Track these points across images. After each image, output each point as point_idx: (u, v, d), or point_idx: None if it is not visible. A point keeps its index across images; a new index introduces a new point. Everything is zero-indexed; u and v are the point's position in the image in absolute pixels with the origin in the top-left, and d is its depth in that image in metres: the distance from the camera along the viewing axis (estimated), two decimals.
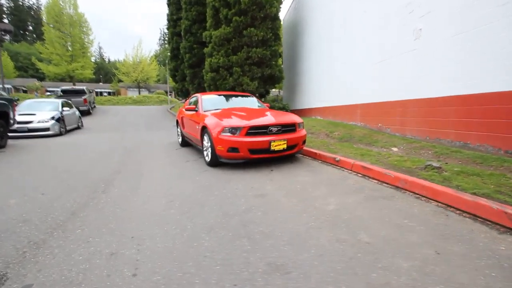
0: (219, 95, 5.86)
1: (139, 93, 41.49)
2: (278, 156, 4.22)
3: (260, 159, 4.12)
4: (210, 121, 4.30)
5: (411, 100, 5.38)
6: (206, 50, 12.81)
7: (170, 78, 21.02)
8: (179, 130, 6.79)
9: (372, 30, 6.65)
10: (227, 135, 3.99)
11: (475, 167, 3.45)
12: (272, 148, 3.99)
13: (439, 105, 4.71)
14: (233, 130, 3.98)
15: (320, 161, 4.51)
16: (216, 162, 4.25)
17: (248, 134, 3.97)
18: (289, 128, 4.27)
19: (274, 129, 4.10)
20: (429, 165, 3.59)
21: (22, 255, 1.83)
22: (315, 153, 4.73)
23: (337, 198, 2.73)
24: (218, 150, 4.05)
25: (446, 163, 3.72)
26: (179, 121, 6.51)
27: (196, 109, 5.26)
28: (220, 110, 5.01)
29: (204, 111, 5.05)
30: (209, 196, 2.94)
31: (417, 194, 2.75)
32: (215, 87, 12.89)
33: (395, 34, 5.81)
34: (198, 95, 5.82)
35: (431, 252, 1.71)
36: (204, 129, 4.51)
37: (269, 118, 4.27)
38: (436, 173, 3.40)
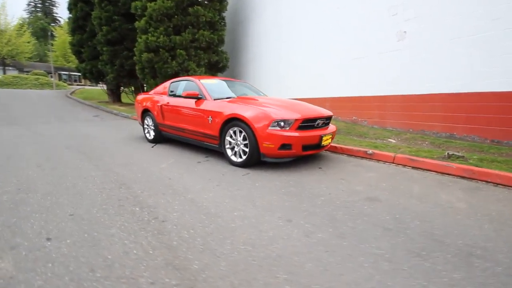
0: (217, 80, 4.86)
1: (5, 72, 31.27)
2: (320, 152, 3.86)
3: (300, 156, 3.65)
4: (248, 112, 3.46)
5: (394, 96, 5.96)
6: (138, 24, 10.65)
7: (73, 56, 16.42)
8: (148, 122, 5.33)
9: (347, 27, 6.97)
10: (275, 130, 3.32)
11: (483, 154, 4.10)
12: (322, 143, 3.59)
13: (424, 101, 5.40)
14: (283, 123, 3.35)
15: (345, 155, 4.41)
16: (254, 162, 3.51)
17: (298, 128, 3.43)
18: (329, 121, 3.96)
19: (320, 122, 3.70)
20: (452, 154, 4.02)
21: None
22: (335, 146, 4.60)
23: (447, 195, 2.66)
24: (265, 147, 3.33)
25: (458, 152, 4.28)
26: (153, 110, 5.09)
27: (200, 96, 4.19)
28: (236, 98, 4.17)
29: (215, 99, 4.08)
30: (319, 207, 2.33)
31: (490, 182, 3.01)
32: (152, 71, 10.98)
33: (375, 33, 6.25)
34: (192, 79, 4.66)
35: None
36: (231, 122, 3.63)
37: (311, 109, 3.81)
38: (463, 161, 3.84)
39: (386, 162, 3.95)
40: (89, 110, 12.14)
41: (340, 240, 1.81)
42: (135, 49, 10.88)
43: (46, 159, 3.88)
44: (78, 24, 14.28)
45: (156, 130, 5.13)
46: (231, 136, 3.72)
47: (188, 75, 10.56)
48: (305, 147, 3.45)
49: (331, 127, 4.03)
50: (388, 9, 5.99)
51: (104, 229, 1.90)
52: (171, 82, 5.09)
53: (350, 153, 4.40)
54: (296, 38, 8.89)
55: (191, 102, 4.33)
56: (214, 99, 4.09)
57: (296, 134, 3.35)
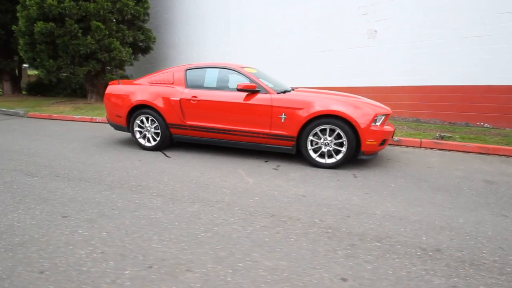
0: (255, 68, 4.02)
1: None
2: None
3: None
4: (346, 108, 3.13)
5: (365, 87, 6.80)
6: None
7: None
8: (145, 123, 3.90)
9: (312, 19, 7.27)
10: (375, 126, 3.21)
11: (458, 134, 5.38)
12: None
13: (393, 92, 6.47)
14: (378, 118, 3.27)
15: None
16: (346, 162, 3.27)
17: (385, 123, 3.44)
18: None
19: None
20: (444, 135, 5.11)
21: None
22: None
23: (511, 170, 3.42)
24: (368, 144, 3.16)
25: (442, 133, 5.45)
26: (160, 107, 3.74)
27: (258, 89, 3.41)
28: (298, 91, 3.68)
29: (279, 93, 3.45)
30: (489, 198, 2.51)
31: (501, 155, 4.06)
32: (51, 49, 7.98)
33: (344, 29, 6.84)
34: (229, 65, 3.70)
35: None
36: (318, 119, 3.19)
37: (379, 104, 3.84)
38: (453, 139, 4.96)
39: (414, 147, 4.59)
40: None
41: None
42: (18, 15, 7.47)
43: (42, 202, 2.24)
44: None
45: (165, 133, 3.84)
46: (314, 135, 3.30)
47: (110, 58, 8.21)
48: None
49: None
50: (357, 8, 6.66)
51: None
52: (187, 69, 3.85)
53: None
54: (252, 33, 8.44)
55: (237, 96, 3.49)
56: (279, 93, 3.46)
57: (390, 128, 3.38)
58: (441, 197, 2.53)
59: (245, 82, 3.51)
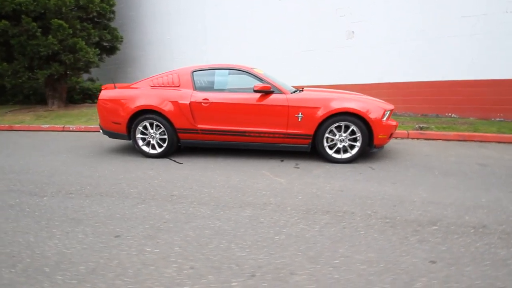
0: (260, 69, 4.01)
1: None
2: None
3: None
4: (359, 105, 3.34)
5: (347, 85, 7.18)
6: None
7: None
8: (150, 129, 3.67)
9: (293, 21, 7.48)
10: (384, 121, 3.46)
11: (432, 124, 6.01)
12: None
13: (371, 89, 6.94)
14: (386, 114, 3.52)
15: None
16: (360, 155, 3.48)
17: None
18: None
19: None
20: (422, 126, 5.68)
21: None
22: None
23: (489, 152, 3.94)
24: (380, 138, 3.39)
25: (421, 124, 6.02)
26: (167, 112, 3.55)
27: (272, 89, 3.43)
28: (306, 91, 3.80)
29: (293, 93, 3.54)
30: (496, 179, 2.88)
31: (476, 141, 4.65)
32: (5, 50, 7.06)
33: (327, 30, 7.16)
34: (239, 67, 3.66)
35: None
36: (333, 117, 3.33)
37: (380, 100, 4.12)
38: (430, 129, 5.55)
39: (403, 138, 5.02)
40: None
41: None
42: None
43: (77, 223, 2.01)
44: None
45: (173, 138, 3.66)
46: (329, 132, 3.45)
47: (74, 60, 7.48)
48: None
49: None
50: (335, 10, 7.02)
51: None
52: (194, 71, 3.70)
53: None
54: (225, 34, 8.35)
55: (251, 97, 3.49)
56: (292, 92, 3.54)
57: (394, 123, 3.67)
58: (454, 181, 2.85)
59: (259, 83, 3.51)
